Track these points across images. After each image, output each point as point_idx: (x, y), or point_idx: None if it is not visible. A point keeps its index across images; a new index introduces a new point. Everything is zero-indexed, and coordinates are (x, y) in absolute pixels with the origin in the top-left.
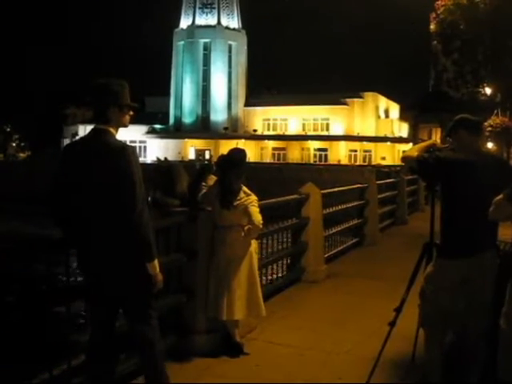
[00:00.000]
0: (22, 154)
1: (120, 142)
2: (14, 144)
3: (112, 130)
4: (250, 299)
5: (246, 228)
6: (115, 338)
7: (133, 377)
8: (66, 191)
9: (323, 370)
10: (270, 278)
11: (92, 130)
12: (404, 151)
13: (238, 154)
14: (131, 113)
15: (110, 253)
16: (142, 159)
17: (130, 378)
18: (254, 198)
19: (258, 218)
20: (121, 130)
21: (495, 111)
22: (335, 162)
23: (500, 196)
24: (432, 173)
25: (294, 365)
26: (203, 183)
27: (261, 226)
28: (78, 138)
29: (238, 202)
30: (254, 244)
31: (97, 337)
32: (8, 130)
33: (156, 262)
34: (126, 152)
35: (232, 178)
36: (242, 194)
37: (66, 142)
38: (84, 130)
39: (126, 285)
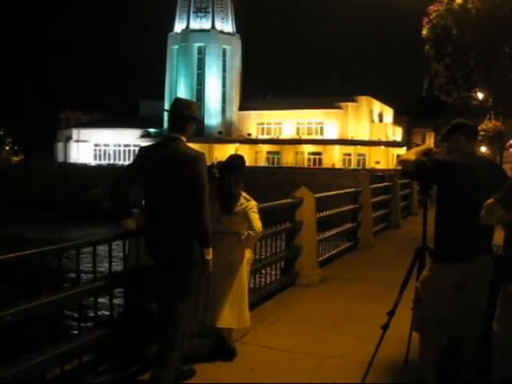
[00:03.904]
0: (15, 158)
1: (194, 149)
2: (7, 148)
3: (184, 138)
4: (235, 309)
5: (245, 234)
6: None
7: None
8: (131, 186)
9: (317, 373)
10: (263, 282)
11: (168, 137)
12: (399, 155)
13: (237, 159)
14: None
15: (177, 239)
16: None
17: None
18: (253, 203)
19: (258, 224)
20: (115, 134)
21: (488, 116)
22: (329, 166)
23: (491, 200)
24: (431, 176)
25: (288, 369)
26: None
27: (260, 234)
28: (152, 143)
29: (238, 208)
30: (248, 254)
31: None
32: (1, 133)
33: (211, 249)
34: (200, 159)
35: (232, 183)
36: (242, 200)
37: (60, 145)
38: (77, 133)
39: (182, 266)
